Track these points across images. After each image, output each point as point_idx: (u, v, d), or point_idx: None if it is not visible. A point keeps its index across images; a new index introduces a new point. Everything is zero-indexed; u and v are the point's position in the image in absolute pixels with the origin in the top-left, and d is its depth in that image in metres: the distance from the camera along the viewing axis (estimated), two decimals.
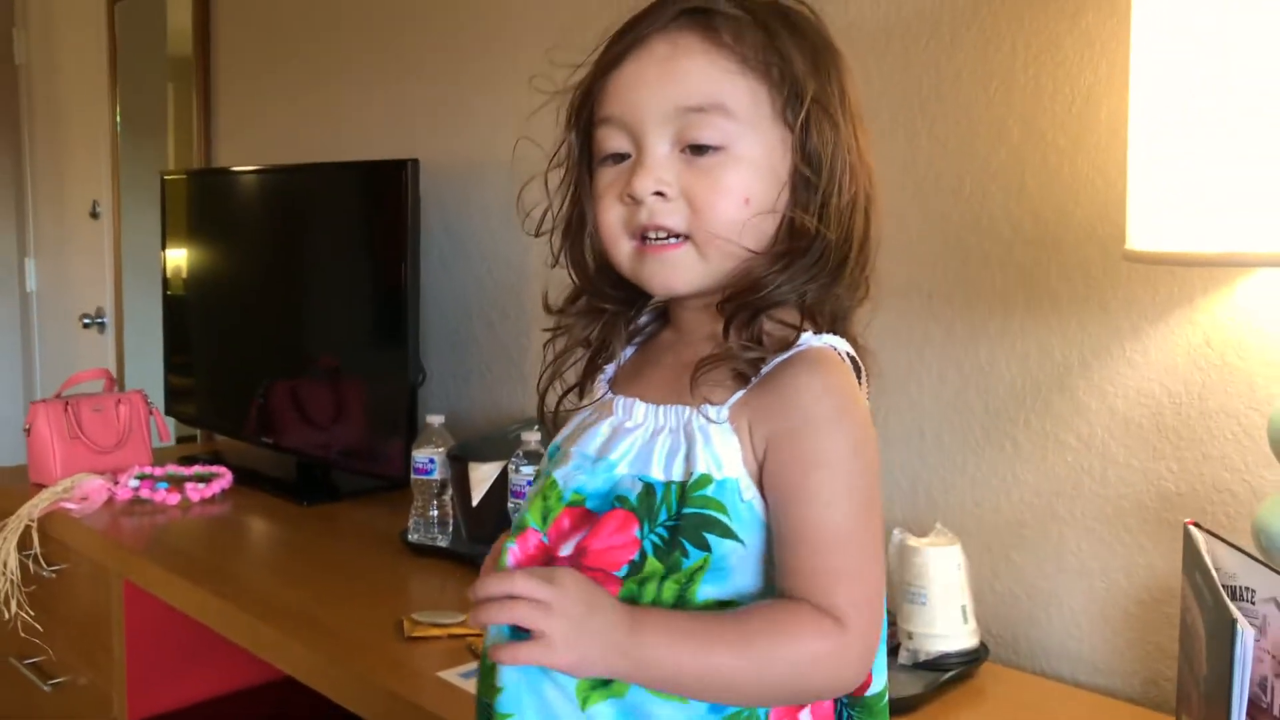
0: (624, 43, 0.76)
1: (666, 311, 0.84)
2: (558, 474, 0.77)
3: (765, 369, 0.73)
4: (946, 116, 1.33)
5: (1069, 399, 1.24)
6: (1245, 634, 0.72)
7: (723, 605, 0.71)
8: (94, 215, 3.35)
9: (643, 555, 0.71)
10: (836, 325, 0.78)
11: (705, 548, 0.71)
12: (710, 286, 0.76)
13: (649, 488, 0.72)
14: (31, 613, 1.86)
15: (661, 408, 0.76)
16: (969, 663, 1.20)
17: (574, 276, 0.82)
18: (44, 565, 1.83)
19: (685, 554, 0.71)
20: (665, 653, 0.68)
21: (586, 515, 0.74)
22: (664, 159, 0.74)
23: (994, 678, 1.22)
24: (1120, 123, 1.12)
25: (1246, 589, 0.80)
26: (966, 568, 1.23)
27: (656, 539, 0.71)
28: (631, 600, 0.71)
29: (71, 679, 1.85)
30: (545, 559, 0.75)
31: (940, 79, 1.33)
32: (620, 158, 0.77)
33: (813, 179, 0.74)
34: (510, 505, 1.49)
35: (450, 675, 1.20)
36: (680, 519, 0.71)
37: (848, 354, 0.76)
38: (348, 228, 2.01)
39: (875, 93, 1.38)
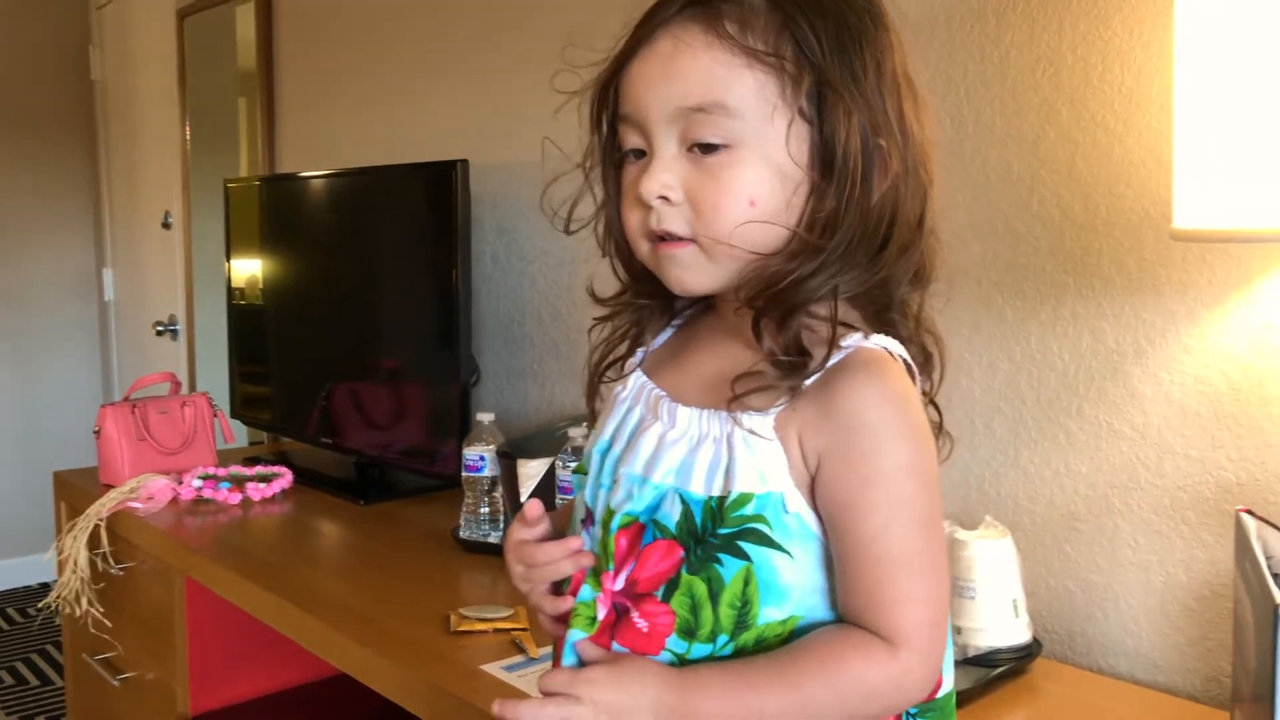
0: (634, 38, 0.75)
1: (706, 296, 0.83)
2: (613, 504, 0.75)
3: (813, 374, 0.70)
4: (993, 101, 1.30)
5: (1123, 387, 1.21)
6: None
7: (786, 627, 0.70)
8: (166, 225, 3.44)
9: (679, 571, 0.71)
10: (886, 316, 0.75)
11: (744, 556, 0.69)
12: (724, 286, 0.75)
13: (687, 509, 0.71)
14: (101, 609, 1.92)
15: (704, 413, 0.73)
16: (1021, 658, 1.17)
17: (615, 270, 0.82)
18: (112, 564, 1.88)
19: (720, 563, 0.69)
20: (713, 706, 0.68)
21: (639, 531, 0.73)
22: (671, 160, 0.73)
23: (1047, 674, 1.19)
24: (1171, 101, 1.09)
25: None
26: (1018, 561, 1.20)
27: (696, 556, 0.70)
28: (688, 631, 0.70)
29: (139, 674, 1.90)
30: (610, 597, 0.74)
31: (986, 63, 1.30)
32: (640, 154, 0.75)
33: (833, 172, 0.71)
34: (558, 500, 1.49)
35: (493, 669, 1.21)
36: (718, 537, 0.70)
37: (901, 356, 0.74)
38: (402, 229, 2.03)
39: (922, 80, 1.33)
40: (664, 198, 0.73)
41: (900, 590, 0.68)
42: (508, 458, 1.59)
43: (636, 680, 0.69)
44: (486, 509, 1.65)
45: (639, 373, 0.82)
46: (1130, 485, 1.21)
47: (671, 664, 0.71)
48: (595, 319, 0.84)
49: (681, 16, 0.72)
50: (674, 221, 0.73)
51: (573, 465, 1.46)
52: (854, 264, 0.71)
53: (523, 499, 1.56)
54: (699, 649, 0.70)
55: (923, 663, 0.68)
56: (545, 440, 1.59)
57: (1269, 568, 0.78)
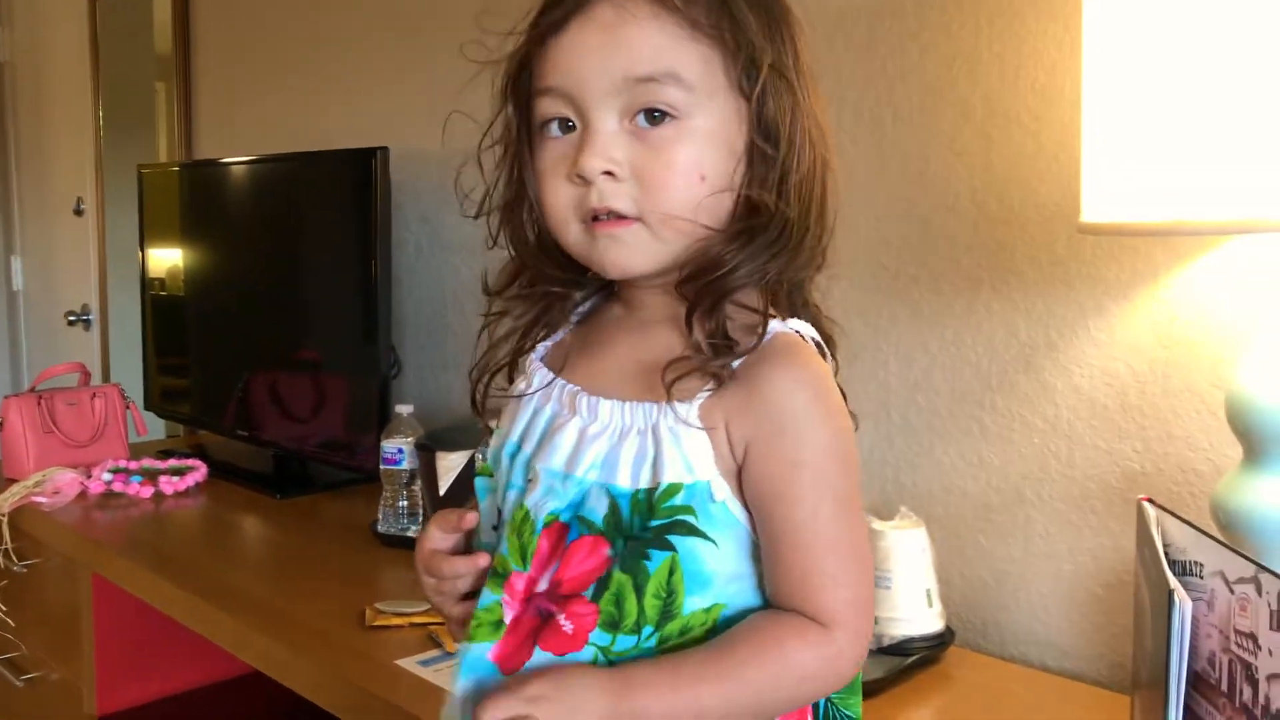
0: (564, 6, 0.71)
1: (606, 286, 0.81)
2: (529, 503, 0.72)
3: (739, 359, 0.69)
4: (911, 96, 1.31)
5: (1035, 379, 1.23)
6: (1183, 605, 0.71)
7: (711, 615, 0.70)
8: (78, 212, 3.34)
9: (610, 569, 0.69)
10: (794, 299, 0.76)
11: (669, 548, 0.68)
12: (667, 266, 0.72)
13: (614, 504, 0.70)
14: (3, 608, 1.85)
15: (627, 405, 0.72)
16: (934, 647, 1.19)
17: (516, 256, 0.78)
18: (15, 560, 1.81)
19: (647, 558, 0.68)
20: (655, 703, 0.67)
21: (563, 530, 0.71)
22: (612, 135, 0.70)
23: (960, 662, 1.20)
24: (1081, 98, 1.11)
25: (1195, 564, 0.79)
26: (932, 551, 1.22)
27: (626, 552, 0.69)
28: (612, 624, 0.69)
29: (44, 674, 1.84)
30: (529, 594, 0.71)
31: (904, 59, 1.31)
32: (563, 126, 0.72)
33: (771, 152, 0.70)
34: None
35: (409, 664, 1.19)
36: (648, 530, 0.69)
37: (813, 338, 0.74)
38: (322, 218, 2.00)
39: (843, 74, 1.37)
40: (609, 173, 0.70)
41: (830, 573, 0.68)
42: (426, 450, 1.57)
43: (579, 688, 0.67)
44: (405, 502, 1.63)
45: (542, 369, 0.79)
46: (1041, 476, 1.23)
47: (598, 661, 0.70)
48: (489, 314, 0.80)
49: None
50: (618, 199, 0.70)
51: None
52: (784, 249, 0.71)
53: (441, 491, 1.54)
54: (623, 640, 0.69)
55: (854, 641, 0.69)
56: (465, 433, 1.58)
57: (1167, 555, 0.80)
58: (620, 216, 0.70)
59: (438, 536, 0.80)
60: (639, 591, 0.69)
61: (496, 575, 0.72)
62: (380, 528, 1.63)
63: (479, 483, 0.80)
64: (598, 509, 0.70)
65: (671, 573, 0.69)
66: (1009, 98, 1.23)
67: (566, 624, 0.70)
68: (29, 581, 1.84)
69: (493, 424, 0.83)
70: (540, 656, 0.70)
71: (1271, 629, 0.70)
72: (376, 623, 1.29)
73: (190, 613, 1.44)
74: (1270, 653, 0.70)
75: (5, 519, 1.82)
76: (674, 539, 0.68)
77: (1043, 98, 1.20)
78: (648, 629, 0.69)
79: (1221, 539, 0.80)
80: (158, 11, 2.88)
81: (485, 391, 0.80)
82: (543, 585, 0.71)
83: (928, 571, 1.21)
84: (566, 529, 0.71)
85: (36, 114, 3.64)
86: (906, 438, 1.34)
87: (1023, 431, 1.24)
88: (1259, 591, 0.71)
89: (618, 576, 0.69)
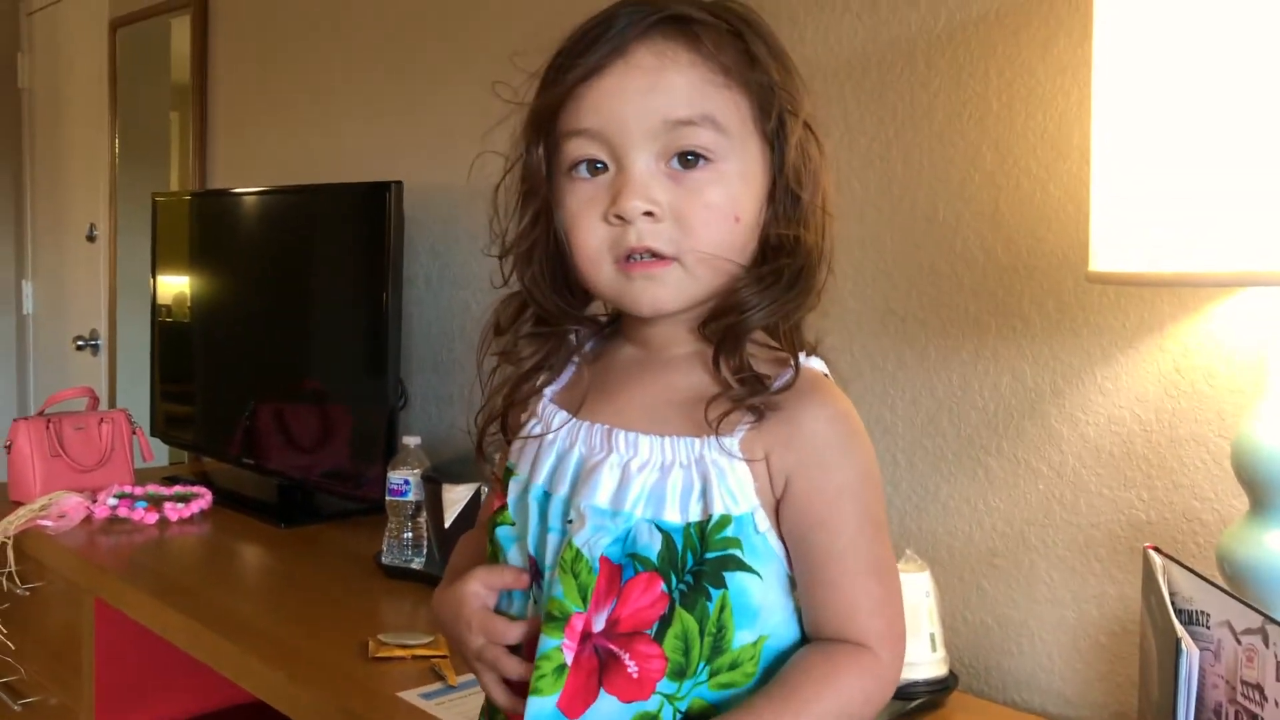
0: (599, 52, 0.72)
1: (605, 327, 0.82)
2: (579, 542, 0.71)
3: (776, 394, 0.71)
4: (921, 143, 1.33)
5: (1041, 426, 1.23)
6: (1190, 654, 0.71)
7: (757, 648, 0.71)
8: (90, 239, 3.37)
9: (671, 607, 0.70)
10: (797, 338, 0.77)
11: (722, 584, 0.70)
12: (697, 302, 0.74)
13: (668, 539, 0.70)
14: (4, 631, 1.85)
15: (668, 440, 0.72)
16: (937, 692, 1.18)
17: (533, 299, 0.78)
18: (18, 584, 1.81)
19: (708, 597, 0.70)
20: None
21: (615, 569, 0.71)
22: (649, 176, 0.71)
23: (963, 708, 1.20)
24: (1090, 148, 1.12)
25: (1202, 613, 0.79)
26: (936, 595, 1.22)
27: (684, 587, 0.70)
28: (680, 673, 0.69)
29: (43, 699, 1.83)
30: (584, 636, 0.71)
31: (915, 106, 1.33)
32: (592, 168, 0.73)
33: (797, 194, 0.73)
34: (483, 514, 1.47)
35: (411, 696, 1.19)
36: (704, 564, 0.70)
37: (826, 374, 0.76)
38: (333, 250, 2.01)
39: (852, 120, 1.39)
40: (649, 213, 0.71)
41: (874, 596, 0.71)
42: (433, 482, 1.58)
43: None
44: (410, 534, 1.63)
45: (558, 411, 0.78)
46: (1046, 522, 1.23)
47: (662, 711, 0.70)
48: (500, 353, 0.79)
49: (658, 32, 0.71)
50: (657, 239, 0.71)
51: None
52: (802, 289, 0.73)
53: (446, 524, 1.55)
54: (685, 685, 0.70)
55: (898, 656, 0.72)
56: (471, 466, 1.58)
57: (1173, 604, 0.80)
58: (658, 256, 0.72)
59: (489, 596, 0.78)
60: (702, 635, 0.70)
61: (554, 620, 0.71)
62: (384, 559, 1.63)
63: (502, 533, 0.78)
64: (651, 545, 0.70)
65: (722, 609, 0.70)
66: (1018, 147, 1.24)
67: (632, 665, 0.70)
68: (31, 605, 1.84)
69: (496, 469, 0.83)
70: (605, 700, 0.70)
71: (1278, 680, 0.70)
72: (379, 654, 1.29)
73: (192, 640, 1.43)
74: (1277, 704, 0.70)
75: (10, 542, 1.82)
76: (726, 575, 0.70)
77: (1051, 148, 1.22)
78: (700, 664, 0.70)
79: (1228, 589, 0.81)
80: (176, 42, 2.92)
81: (482, 432, 0.80)
82: (598, 625, 0.71)
83: (932, 616, 1.21)
84: (619, 568, 0.71)
85: (54, 140, 3.68)
86: (912, 481, 1.34)
87: (1028, 477, 1.24)
88: (1266, 643, 0.71)
89: (682, 616, 0.69)
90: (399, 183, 1.82)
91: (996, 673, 1.27)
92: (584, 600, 0.70)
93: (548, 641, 0.70)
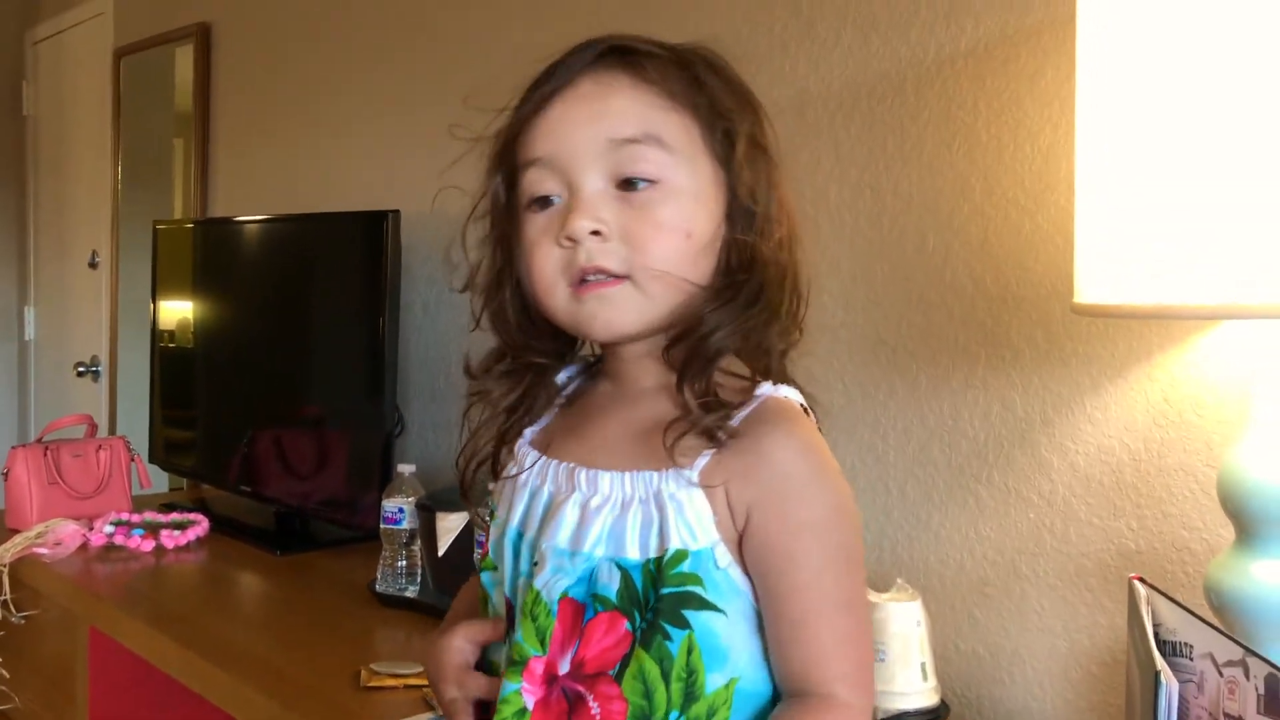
0: (549, 85, 0.75)
1: (591, 367, 0.82)
2: (539, 584, 0.72)
3: (732, 424, 0.71)
4: (910, 174, 1.34)
5: (1031, 455, 1.24)
6: (1169, 686, 0.71)
7: (729, 691, 0.70)
8: (93, 265, 3.39)
9: (633, 646, 0.69)
10: (775, 369, 0.77)
11: (685, 625, 0.69)
12: (655, 325, 0.74)
13: (626, 577, 0.70)
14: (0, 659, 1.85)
15: (627, 475, 0.72)
16: None
17: (497, 334, 0.79)
18: (13, 611, 1.82)
19: (668, 636, 0.69)
20: None
21: (578, 609, 0.71)
22: (598, 197, 0.72)
23: None
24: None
25: (1186, 645, 0.79)
26: (927, 624, 1.21)
27: (645, 625, 0.69)
28: (643, 716, 0.69)
29: None
30: (550, 678, 0.71)
31: (904, 138, 1.35)
32: (547, 202, 0.74)
33: (748, 215, 0.74)
34: (476, 555, 1.48)
35: None
36: (660, 601, 0.69)
37: (800, 403, 0.75)
38: (332, 278, 2.02)
39: (843, 151, 1.40)
40: (596, 233, 0.72)
41: (842, 633, 0.70)
42: (427, 510, 1.58)
43: None
44: (404, 562, 1.63)
45: (531, 451, 0.79)
46: (1037, 551, 1.23)
47: None
48: (472, 393, 0.80)
49: (602, 63, 0.74)
50: (607, 258, 0.72)
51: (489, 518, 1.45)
52: (762, 309, 0.73)
53: (440, 552, 1.55)
54: None
55: (869, 695, 0.71)
56: None
57: (1158, 635, 0.80)
58: (609, 275, 0.72)
59: (469, 651, 0.79)
60: (666, 679, 0.69)
61: (514, 664, 0.71)
62: (379, 587, 1.63)
63: (484, 578, 0.79)
64: (611, 584, 0.70)
65: (690, 651, 0.69)
66: (1006, 179, 1.26)
67: (595, 707, 0.70)
68: (26, 633, 1.84)
69: (483, 511, 0.83)
70: None
71: (1259, 713, 0.70)
72: (371, 683, 1.29)
73: (186, 669, 1.43)
74: None
75: (5, 570, 1.82)
76: (689, 614, 0.69)
77: (1039, 179, 1.23)
78: (674, 714, 0.69)
79: (1211, 620, 0.81)
80: (179, 71, 2.95)
81: (473, 475, 0.81)
82: (564, 667, 0.71)
83: (923, 645, 1.20)
84: (582, 608, 0.71)
85: (57, 167, 3.70)
86: (904, 510, 1.35)
87: (1019, 506, 1.25)
88: (1246, 675, 0.71)
89: (640, 655, 0.69)
90: (396, 211, 1.83)
91: (989, 702, 1.27)
92: (542, 644, 0.71)
93: (508, 685, 0.71)
